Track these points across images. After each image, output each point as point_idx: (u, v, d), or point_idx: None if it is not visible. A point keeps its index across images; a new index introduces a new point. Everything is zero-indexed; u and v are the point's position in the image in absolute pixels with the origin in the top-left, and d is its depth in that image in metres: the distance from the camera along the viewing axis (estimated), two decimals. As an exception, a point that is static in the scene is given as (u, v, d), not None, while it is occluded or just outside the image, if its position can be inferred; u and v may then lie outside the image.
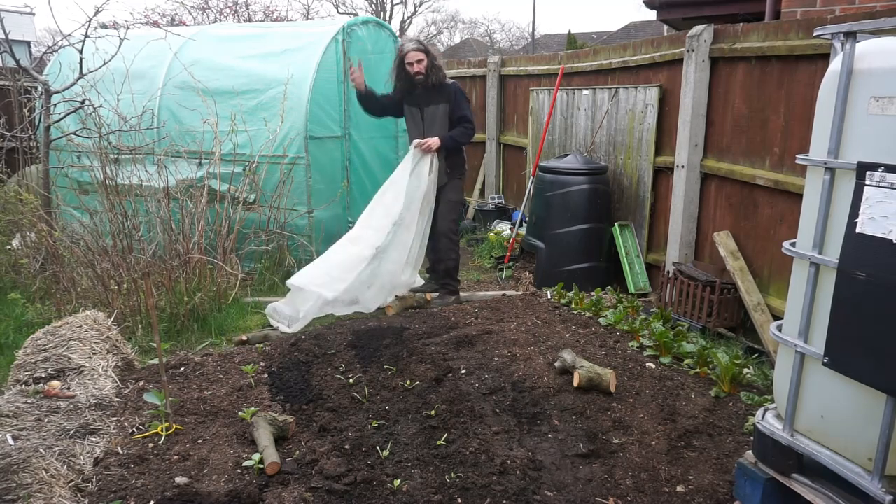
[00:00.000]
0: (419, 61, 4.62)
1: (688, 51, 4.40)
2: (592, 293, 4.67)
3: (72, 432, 2.63)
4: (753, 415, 2.64)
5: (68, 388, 2.91)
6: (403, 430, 2.82)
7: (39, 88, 5.30)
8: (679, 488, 2.47)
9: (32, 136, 5.79)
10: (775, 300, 3.84)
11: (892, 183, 1.69)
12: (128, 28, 6.22)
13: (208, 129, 5.09)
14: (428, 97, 4.70)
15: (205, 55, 5.72)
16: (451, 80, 4.83)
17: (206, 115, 5.12)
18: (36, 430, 2.59)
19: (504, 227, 6.57)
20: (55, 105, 5.19)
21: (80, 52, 4.93)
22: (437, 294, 4.81)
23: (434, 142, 4.56)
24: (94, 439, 2.64)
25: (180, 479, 2.40)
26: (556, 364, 3.33)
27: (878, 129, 1.76)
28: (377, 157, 6.03)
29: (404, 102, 4.82)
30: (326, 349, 3.62)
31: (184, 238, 4.47)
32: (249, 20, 13.79)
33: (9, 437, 2.49)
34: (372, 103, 4.88)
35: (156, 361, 3.04)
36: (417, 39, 4.82)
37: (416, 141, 4.61)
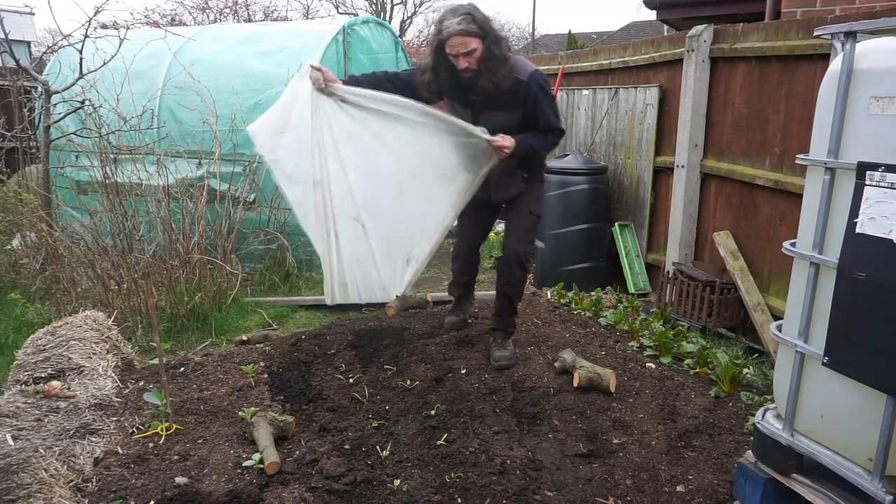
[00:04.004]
0: (468, 53, 2.93)
1: (688, 51, 4.40)
2: (592, 293, 4.67)
3: (72, 432, 2.63)
4: (753, 415, 2.64)
5: (68, 388, 2.91)
6: (403, 430, 2.82)
7: (39, 88, 5.29)
8: (679, 488, 2.47)
9: (32, 136, 5.79)
10: (775, 300, 3.84)
11: (892, 183, 1.69)
12: (128, 28, 6.22)
13: (208, 128, 5.09)
14: (488, 100, 3.09)
15: (204, 55, 5.72)
16: (531, 70, 3.07)
17: (205, 115, 5.12)
18: (36, 430, 2.59)
19: (504, 227, 6.56)
20: (55, 105, 5.19)
21: (80, 52, 4.93)
22: (493, 341, 3.52)
23: (509, 143, 3.07)
24: (94, 439, 2.64)
25: (180, 479, 2.40)
26: (556, 364, 3.34)
27: (878, 129, 1.76)
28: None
29: (445, 96, 3.27)
30: (326, 349, 3.62)
31: (184, 238, 4.46)
32: (249, 20, 13.79)
33: (9, 437, 2.49)
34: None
35: (156, 361, 3.04)
36: (467, 12, 2.94)
37: (488, 138, 3.10)
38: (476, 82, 3.03)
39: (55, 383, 2.90)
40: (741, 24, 4.14)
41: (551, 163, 5.35)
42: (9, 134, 5.59)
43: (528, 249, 3.41)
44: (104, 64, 5.03)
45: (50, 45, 8.53)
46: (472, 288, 3.95)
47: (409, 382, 3.23)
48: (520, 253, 3.35)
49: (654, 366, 3.48)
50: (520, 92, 3.06)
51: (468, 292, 3.95)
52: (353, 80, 3.25)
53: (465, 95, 3.16)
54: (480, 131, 3.11)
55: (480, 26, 2.93)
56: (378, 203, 3.38)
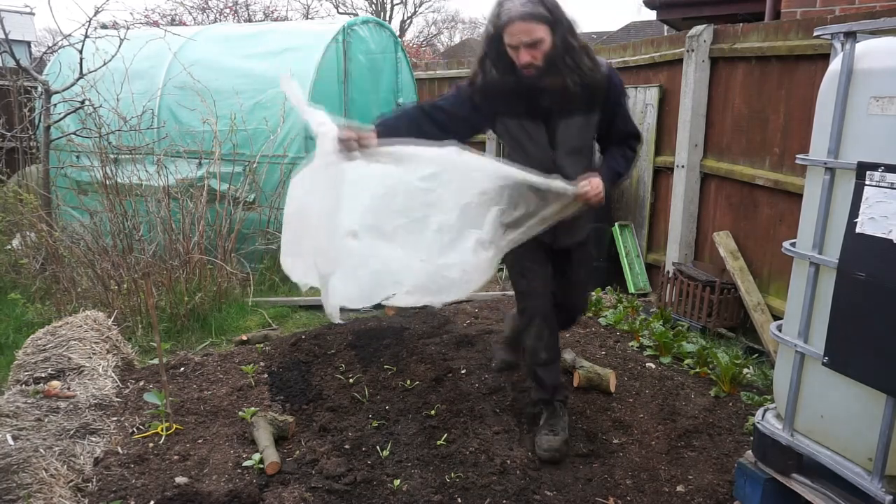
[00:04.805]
0: (532, 44, 2.22)
1: (688, 51, 4.40)
2: (592, 293, 4.67)
3: (72, 432, 2.63)
4: (753, 415, 2.64)
5: (68, 388, 2.91)
6: (403, 429, 2.82)
7: (39, 88, 5.30)
8: (679, 488, 2.47)
9: (32, 136, 5.79)
10: (775, 300, 3.84)
11: (892, 183, 1.69)
12: (127, 28, 6.21)
13: (208, 128, 5.09)
14: (565, 103, 2.37)
15: (204, 55, 5.71)
16: (604, 64, 2.40)
17: (205, 115, 5.12)
18: (36, 430, 2.59)
19: (504, 227, 6.55)
20: (55, 105, 5.19)
21: (80, 52, 4.93)
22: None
23: (599, 188, 2.43)
24: (94, 439, 2.64)
25: (180, 479, 2.40)
26: (556, 364, 3.33)
27: (878, 129, 1.76)
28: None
29: (505, 115, 2.48)
30: (326, 349, 3.62)
31: (184, 238, 4.46)
32: (249, 20, 13.78)
33: (9, 437, 2.49)
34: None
35: (156, 361, 3.04)
36: None
37: (575, 191, 2.38)
38: (541, 84, 2.31)
39: (55, 383, 2.90)
40: (741, 24, 4.14)
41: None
42: (9, 134, 5.59)
43: (586, 305, 2.76)
44: (104, 64, 5.03)
45: (50, 45, 8.52)
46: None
47: (409, 382, 3.23)
48: (583, 308, 2.85)
49: (654, 366, 3.48)
50: (599, 87, 2.37)
51: (564, 396, 2.79)
52: (384, 124, 2.36)
53: (531, 104, 2.40)
54: (564, 185, 2.34)
55: (550, 10, 2.23)
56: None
